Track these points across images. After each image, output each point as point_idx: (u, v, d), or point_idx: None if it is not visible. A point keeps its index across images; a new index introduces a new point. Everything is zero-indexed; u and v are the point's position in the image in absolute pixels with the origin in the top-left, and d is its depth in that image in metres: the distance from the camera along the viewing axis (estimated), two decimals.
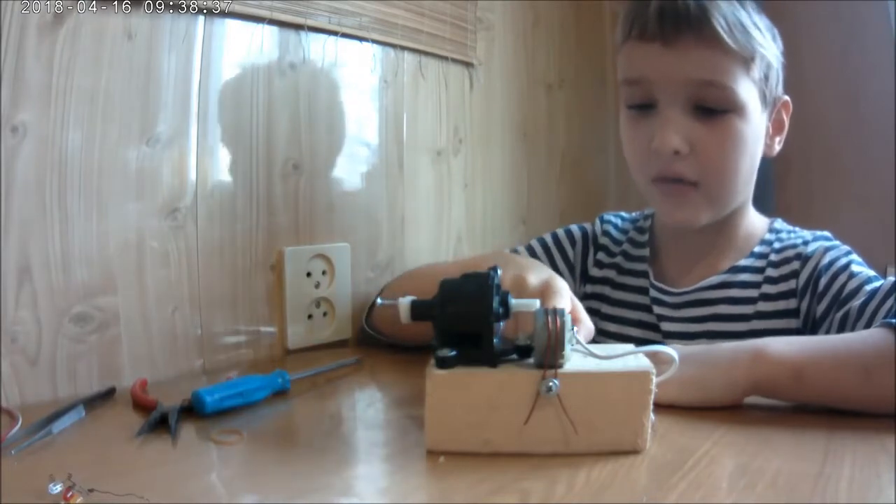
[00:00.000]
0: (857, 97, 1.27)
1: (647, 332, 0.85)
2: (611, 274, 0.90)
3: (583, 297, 0.91)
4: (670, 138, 0.74)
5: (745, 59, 0.73)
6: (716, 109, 0.74)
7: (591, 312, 0.89)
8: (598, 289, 0.91)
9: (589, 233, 0.94)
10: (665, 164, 0.76)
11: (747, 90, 0.75)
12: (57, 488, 0.43)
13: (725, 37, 0.71)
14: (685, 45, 0.73)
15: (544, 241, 0.95)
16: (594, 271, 0.92)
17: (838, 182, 1.29)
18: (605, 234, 0.94)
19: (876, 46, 1.25)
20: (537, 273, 0.66)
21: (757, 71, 0.75)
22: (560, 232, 0.95)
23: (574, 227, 0.95)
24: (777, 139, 0.82)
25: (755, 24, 0.74)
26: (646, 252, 0.89)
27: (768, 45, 0.76)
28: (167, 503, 0.44)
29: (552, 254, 0.93)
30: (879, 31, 1.24)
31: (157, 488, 0.46)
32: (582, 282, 0.93)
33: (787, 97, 0.82)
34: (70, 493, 0.43)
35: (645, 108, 0.77)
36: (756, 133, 0.77)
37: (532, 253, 0.93)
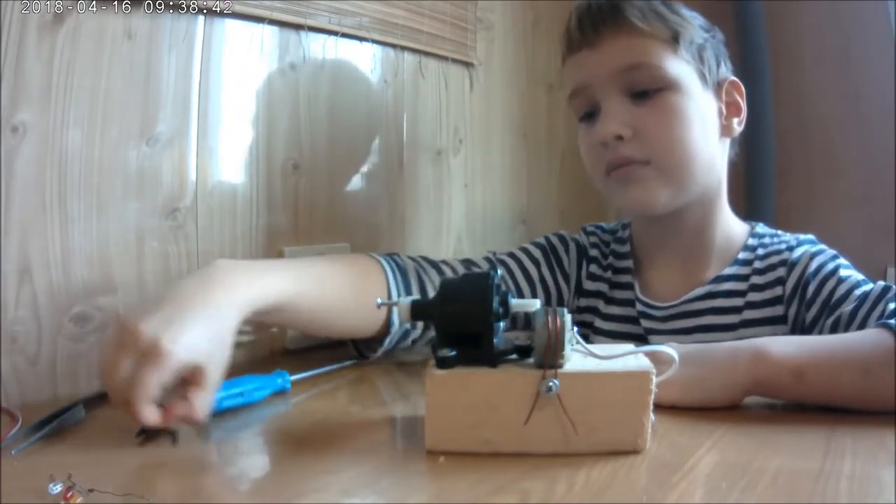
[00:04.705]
0: (857, 97, 1.27)
1: (639, 344, 0.83)
2: (603, 288, 0.89)
3: (576, 311, 0.90)
4: (610, 125, 0.76)
5: (667, 40, 0.76)
6: (649, 90, 0.76)
7: (585, 326, 0.88)
8: (592, 302, 0.89)
9: (580, 244, 0.92)
10: (613, 152, 0.78)
11: (678, 68, 0.77)
12: (57, 488, 0.43)
13: (638, 22, 0.76)
14: (606, 41, 0.77)
15: (541, 245, 0.91)
16: (587, 284, 0.90)
17: (838, 182, 1.29)
18: (594, 245, 0.92)
19: (876, 46, 1.25)
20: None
21: (685, 52, 0.77)
22: (552, 237, 0.92)
23: (565, 235, 0.92)
24: (736, 120, 0.82)
25: (672, 10, 0.78)
26: (629, 263, 0.88)
27: (690, 26, 0.78)
28: (167, 503, 0.44)
29: (550, 260, 0.90)
30: (879, 31, 1.24)
31: (157, 488, 0.46)
32: (576, 295, 0.90)
33: (734, 78, 0.82)
34: (70, 493, 0.43)
35: (591, 116, 0.80)
36: (702, 111, 0.78)
37: (529, 257, 0.89)
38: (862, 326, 0.68)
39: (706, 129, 0.79)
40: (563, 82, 0.84)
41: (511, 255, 0.89)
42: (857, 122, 1.28)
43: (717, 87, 0.80)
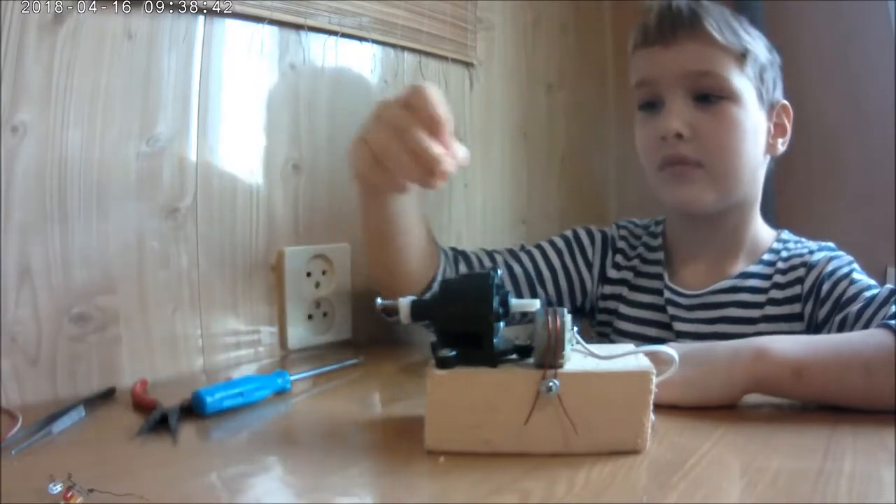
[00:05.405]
0: (857, 97, 1.27)
1: (662, 331, 0.88)
2: (628, 276, 0.93)
3: (600, 298, 0.95)
4: (673, 122, 0.81)
5: (737, 56, 0.81)
6: (712, 96, 0.81)
7: (609, 313, 0.93)
8: (617, 289, 0.94)
9: (607, 236, 0.97)
10: (670, 148, 0.82)
11: (742, 84, 0.81)
12: (57, 488, 0.43)
13: (715, 34, 0.80)
14: (681, 43, 0.82)
15: (566, 236, 0.97)
16: (612, 273, 0.95)
17: (838, 182, 1.29)
18: (623, 238, 0.97)
19: (876, 46, 1.25)
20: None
21: (750, 69, 0.82)
22: (579, 230, 0.98)
23: (592, 228, 0.98)
24: (780, 141, 0.87)
25: (744, 29, 0.83)
26: (660, 255, 0.92)
27: (758, 46, 0.83)
28: (167, 503, 0.44)
29: (573, 250, 0.95)
30: (879, 31, 1.24)
31: (157, 488, 0.46)
32: (600, 283, 0.95)
33: (785, 102, 0.87)
34: (70, 493, 0.43)
35: (652, 106, 0.84)
36: (755, 125, 0.83)
37: (553, 246, 0.95)
38: (866, 326, 0.70)
39: (757, 143, 0.84)
40: (629, 71, 0.88)
41: (536, 245, 0.96)
42: (857, 122, 1.28)
43: (770, 108, 0.85)
